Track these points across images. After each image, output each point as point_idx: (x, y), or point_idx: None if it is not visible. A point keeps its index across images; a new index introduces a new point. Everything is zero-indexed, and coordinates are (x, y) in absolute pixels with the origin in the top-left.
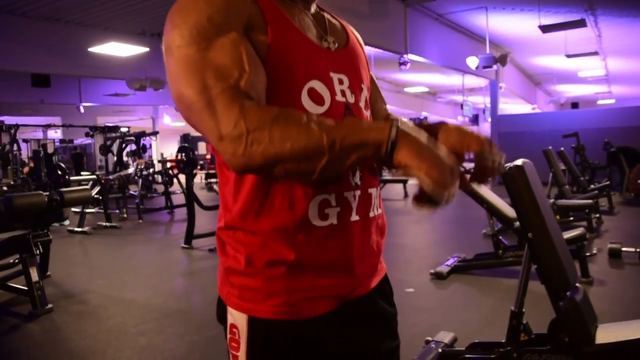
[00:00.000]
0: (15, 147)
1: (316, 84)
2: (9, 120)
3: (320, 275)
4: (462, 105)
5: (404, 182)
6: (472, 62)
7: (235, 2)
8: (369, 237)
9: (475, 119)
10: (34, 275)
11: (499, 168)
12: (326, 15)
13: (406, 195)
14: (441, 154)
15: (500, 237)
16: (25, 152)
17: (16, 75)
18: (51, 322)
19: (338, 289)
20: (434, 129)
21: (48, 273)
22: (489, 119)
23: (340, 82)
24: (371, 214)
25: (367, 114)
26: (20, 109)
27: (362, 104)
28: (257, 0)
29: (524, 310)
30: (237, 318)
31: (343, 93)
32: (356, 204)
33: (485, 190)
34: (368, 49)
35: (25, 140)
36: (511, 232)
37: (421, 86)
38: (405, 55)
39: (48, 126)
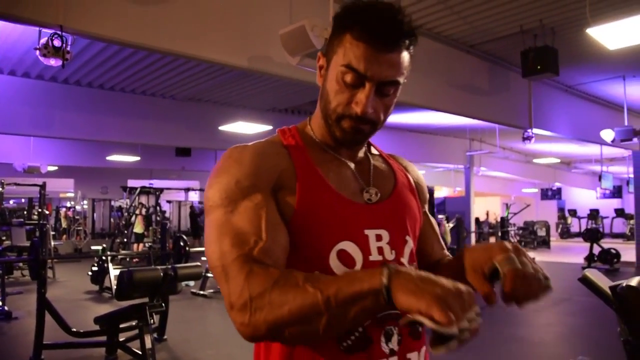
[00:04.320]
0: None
1: (347, 245)
2: (157, 183)
3: None
4: (600, 177)
5: None
6: (608, 135)
7: (265, 163)
8: None
9: (617, 191)
10: (148, 342)
11: (538, 277)
12: (373, 162)
13: None
14: (442, 284)
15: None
16: (168, 212)
17: (164, 146)
18: None
19: None
20: (459, 258)
21: (165, 337)
22: (632, 191)
23: (379, 238)
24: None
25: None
26: (166, 174)
27: (404, 259)
28: (292, 156)
29: None
30: None
31: (380, 250)
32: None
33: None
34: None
35: (168, 202)
36: None
37: (552, 157)
38: (529, 130)
39: (188, 189)
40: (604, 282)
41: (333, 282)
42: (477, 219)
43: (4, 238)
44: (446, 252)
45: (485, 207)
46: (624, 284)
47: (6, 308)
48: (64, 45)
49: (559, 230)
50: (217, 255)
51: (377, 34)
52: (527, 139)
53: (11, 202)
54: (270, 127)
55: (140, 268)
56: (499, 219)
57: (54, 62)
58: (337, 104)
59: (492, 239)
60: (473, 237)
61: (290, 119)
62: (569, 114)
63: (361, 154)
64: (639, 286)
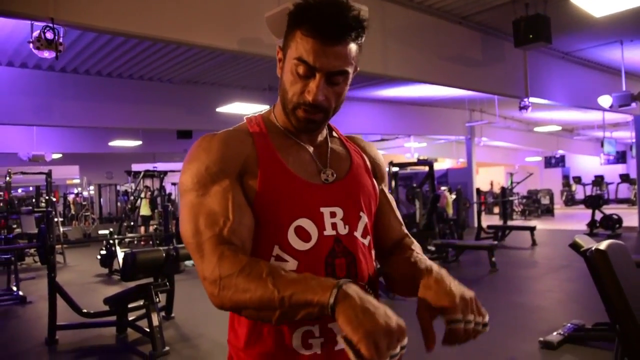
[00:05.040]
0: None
1: (304, 222)
2: (161, 166)
3: None
4: (602, 143)
5: (532, 229)
6: (605, 101)
7: (231, 151)
8: None
9: (621, 157)
10: (155, 320)
11: (470, 333)
12: (331, 146)
13: (534, 244)
14: (377, 321)
15: None
16: (174, 194)
17: (165, 130)
18: None
19: None
20: (418, 276)
21: (172, 315)
22: (635, 156)
23: (333, 215)
24: None
25: (365, 241)
26: (170, 157)
27: (357, 233)
28: (256, 142)
29: None
30: None
31: (334, 226)
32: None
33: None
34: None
35: (173, 184)
36: None
37: (553, 125)
38: (525, 99)
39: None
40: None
41: (290, 285)
42: (477, 190)
43: (14, 226)
44: (404, 228)
45: (489, 178)
46: (593, 248)
47: (21, 293)
48: (56, 37)
49: (564, 197)
50: (191, 233)
51: (323, 29)
52: (523, 108)
53: (19, 190)
54: (267, 106)
55: (143, 250)
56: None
57: (47, 54)
58: (293, 94)
59: (497, 209)
60: (475, 208)
61: None
62: (566, 81)
63: (321, 137)
64: (607, 249)
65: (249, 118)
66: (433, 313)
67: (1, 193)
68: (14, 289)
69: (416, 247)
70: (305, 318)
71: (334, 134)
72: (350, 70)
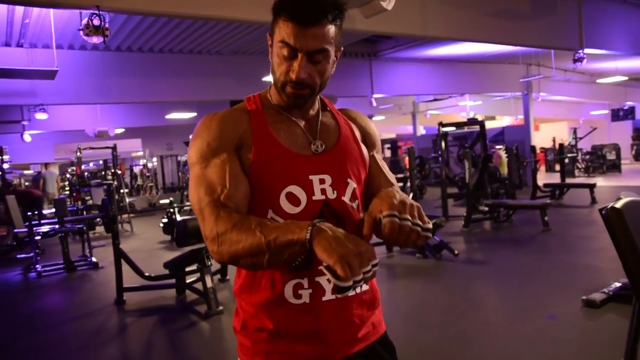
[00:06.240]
0: None
1: (294, 188)
2: None
3: (294, 342)
4: None
5: (591, 186)
6: None
7: (228, 128)
8: (349, 312)
9: None
10: (208, 282)
11: (415, 229)
12: (321, 119)
13: (593, 202)
14: (347, 246)
15: None
16: None
17: (218, 101)
18: (219, 322)
19: (310, 354)
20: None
21: (227, 277)
22: None
23: (322, 181)
24: (350, 293)
25: (353, 204)
26: None
27: (346, 198)
28: (252, 119)
29: None
30: None
31: (323, 191)
32: (331, 286)
33: None
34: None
35: None
36: None
37: (618, 75)
38: (580, 51)
39: None
40: None
41: (275, 230)
42: (532, 147)
43: (87, 198)
44: (395, 188)
45: (552, 134)
46: (609, 206)
47: (93, 259)
48: (102, 23)
49: (634, 151)
50: (196, 200)
51: (300, 14)
52: (578, 60)
53: (91, 164)
54: None
55: (194, 217)
56: (568, 145)
57: (96, 39)
58: (280, 74)
59: (559, 167)
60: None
61: None
62: (627, 28)
63: (312, 112)
64: (622, 208)
65: (248, 97)
66: (375, 215)
67: (74, 167)
68: (88, 255)
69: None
70: (290, 258)
71: (327, 108)
72: (331, 49)
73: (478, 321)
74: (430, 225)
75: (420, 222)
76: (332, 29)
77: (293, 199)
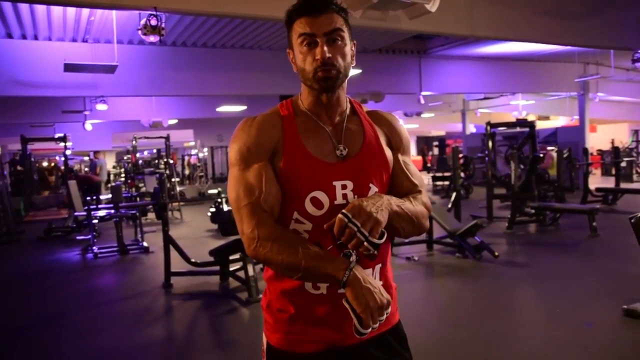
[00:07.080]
0: None
1: (318, 194)
2: None
3: (311, 326)
4: None
5: None
6: None
7: (265, 136)
8: None
9: None
10: (250, 270)
11: (351, 235)
12: (346, 124)
13: None
14: (374, 299)
15: None
16: None
17: (267, 95)
18: (258, 309)
19: (324, 337)
20: None
21: None
22: None
23: (344, 187)
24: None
25: None
26: None
27: None
28: (284, 126)
29: None
30: (264, 340)
31: (345, 196)
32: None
33: None
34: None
35: None
36: None
37: None
38: None
39: None
40: None
41: (315, 259)
42: (585, 149)
43: (141, 185)
44: (418, 188)
45: (610, 136)
46: (639, 214)
47: (145, 244)
48: (159, 23)
49: None
50: (234, 198)
51: (309, 8)
52: (637, 60)
53: (145, 153)
54: (359, 71)
55: None
56: (625, 148)
57: (153, 38)
58: (308, 65)
59: (614, 170)
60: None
61: (382, 59)
62: None
63: (339, 117)
64: None
65: (281, 103)
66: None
67: (129, 156)
68: (140, 240)
69: (415, 196)
70: (317, 282)
71: (356, 112)
72: (344, 30)
73: (511, 323)
74: (378, 241)
75: (365, 232)
76: (340, 19)
77: (317, 203)
